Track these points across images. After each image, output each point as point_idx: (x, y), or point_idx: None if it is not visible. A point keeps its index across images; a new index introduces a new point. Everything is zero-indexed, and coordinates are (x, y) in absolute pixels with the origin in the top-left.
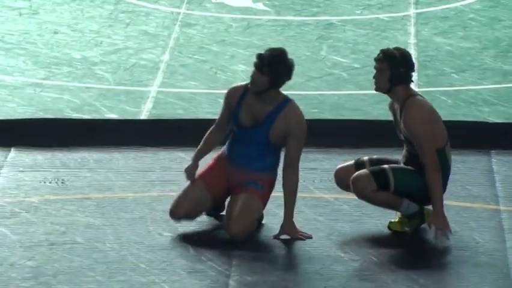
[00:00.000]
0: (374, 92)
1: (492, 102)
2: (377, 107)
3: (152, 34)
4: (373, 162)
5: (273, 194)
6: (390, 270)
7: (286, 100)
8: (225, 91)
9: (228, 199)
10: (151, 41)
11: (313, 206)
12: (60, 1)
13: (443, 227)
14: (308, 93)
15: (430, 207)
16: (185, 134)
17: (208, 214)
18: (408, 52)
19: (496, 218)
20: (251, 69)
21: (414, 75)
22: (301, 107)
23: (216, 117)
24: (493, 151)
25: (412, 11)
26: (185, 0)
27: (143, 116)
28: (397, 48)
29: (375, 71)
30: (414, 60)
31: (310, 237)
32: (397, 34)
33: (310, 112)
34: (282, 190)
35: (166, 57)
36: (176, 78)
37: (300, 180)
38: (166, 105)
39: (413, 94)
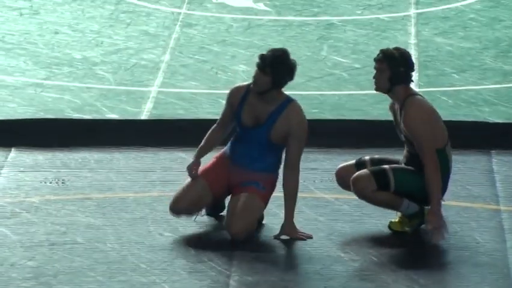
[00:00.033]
0: (375, 92)
1: (492, 102)
2: (377, 107)
3: (152, 34)
4: (374, 162)
5: (273, 194)
6: (390, 270)
7: (289, 100)
8: (226, 91)
9: (228, 198)
10: (151, 41)
11: (313, 206)
12: (61, 1)
13: (439, 226)
14: (309, 94)
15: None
16: (186, 134)
17: (208, 214)
18: (407, 52)
19: (496, 218)
20: (252, 69)
21: (415, 76)
22: (302, 107)
23: (217, 117)
24: (493, 151)
25: (412, 11)
26: (186, 1)
27: (143, 116)
28: (397, 48)
29: (375, 71)
30: (414, 60)
31: (310, 237)
32: (397, 34)
33: (310, 112)
34: (282, 190)
35: (166, 57)
36: (176, 79)
37: (301, 180)
38: (166, 106)
39: (413, 94)
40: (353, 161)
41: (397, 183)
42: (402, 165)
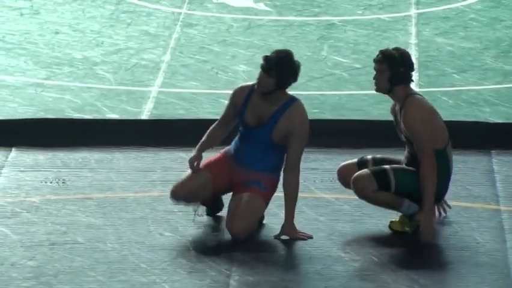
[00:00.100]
0: (375, 92)
1: (493, 103)
2: (377, 107)
3: (153, 34)
4: (376, 161)
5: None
6: (390, 270)
7: (292, 100)
8: (226, 91)
9: (229, 197)
10: (152, 41)
11: (314, 206)
12: (61, 1)
13: (430, 226)
14: (309, 93)
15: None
16: (186, 134)
17: (207, 214)
18: (407, 52)
19: (497, 218)
20: (252, 69)
21: (415, 76)
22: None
23: (217, 117)
24: (493, 151)
25: (413, 11)
26: (187, 1)
27: (144, 116)
28: (396, 49)
29: (375, 72)
30: (415, 60)
31: (311, 237)
32: (398, 34)
33: (311, 112)
34: (282, 190)
35: (167, 57)
36: (177, 79)
37: (301, 180)
38: (167, 106)
39: (413, 93)
40: (355, 160)
41: (398, 183)
42: (403, 166)
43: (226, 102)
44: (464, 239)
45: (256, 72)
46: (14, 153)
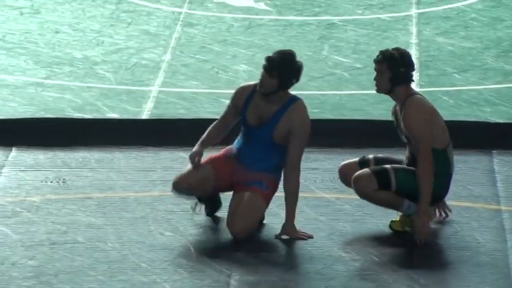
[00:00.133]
0: (376, 92)
1: (494, 102)
2: (378, 107)
3: (153, 34)
4: (378, 161)
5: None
6: (391, 270)
7: (294, 99)
8: (227, 91)
9: (228, 196)
10: (152, 40)
11: (314, 206)
12: (61, 0)
13: (423, 226)
14: (310, 93)
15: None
16: (187, 134)
17: (207, 214)
18: (407, 52)
19: (497, 218)
20: (252, 69)
21: (416, 75)
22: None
23: (218, 116)
24: (494, 151)
25: (414, 11)
26: (187, 0)
27: (144, 116)
28: (396, 49)
29: (375, 73)
30: (416, 60)
31: (311, 237)
32: (399, 34)
33: (311, 112)
34: (283, 190)
35: (167, 56)
36: (177, 78)
37: (302, 180)
38: (167, 105)
39: (413, 93)
40: (357, 159)
41: (398, 183)
42: (404, 166)
43: (227, 101)
44: (464, 239)
45: (256, 71)
46: (14, 153)
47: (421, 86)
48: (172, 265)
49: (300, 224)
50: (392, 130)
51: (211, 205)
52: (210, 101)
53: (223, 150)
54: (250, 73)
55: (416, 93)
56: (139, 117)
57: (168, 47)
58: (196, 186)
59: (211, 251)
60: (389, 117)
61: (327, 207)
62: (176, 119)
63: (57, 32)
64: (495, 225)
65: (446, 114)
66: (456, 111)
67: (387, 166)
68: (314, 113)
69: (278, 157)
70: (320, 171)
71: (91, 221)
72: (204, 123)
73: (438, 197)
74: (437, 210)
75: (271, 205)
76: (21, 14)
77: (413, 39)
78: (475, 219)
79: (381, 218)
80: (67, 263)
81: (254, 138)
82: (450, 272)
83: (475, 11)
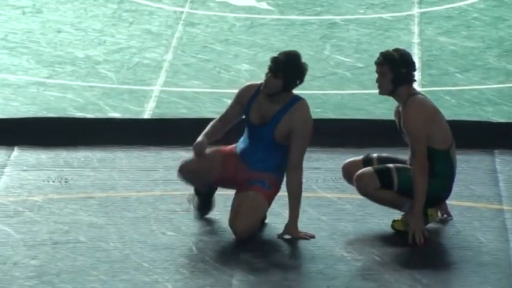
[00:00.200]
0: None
1: (496, 102)
2: (380, 106)
3: (155, 33)
4: (381, 160)
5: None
6: (393, 270)
7: (296, 99)
8: (229, 90)
9: (226, 196)
10: (154, 40)
11: (316, 206)
12: (63, 0)
13: (418, 228)
14: (312, 93)
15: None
16: (189, 134)
17: (198, 216)
18: (407, 52)
19: (499, 218)
20: (255, 68)
21: (418, 75)
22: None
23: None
24: (496, 151)
25: (416, 11)
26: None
27: (146, 115)
28: (396, 50)
29: (377, 75)
30: (417, 59)
31: (313, 237)
32: (401, 33)
33: (313, 111)
34: (286, 190)
35: (169, 56)
36: (179, 78)
37: (304, 180)
38: (169, 105)
39: (415, 93)
40: (361, 157)
41: (400, 182)
42: (407, 166)
43: (229, 101)
44: (466, 239)
45: (258, 71)
46: (16, 152)
47: (423, 86)
48: (174, 265)
49: (302, 223)
50: (394, 130)
51: (205, 203)
52: (212, 100)
53: (230, 146)
54: (252, 72)
55: (417, 93)
56: (141, 117)
57: (170, 46)
58: (202, 173)
59: (213, 251)
60: (391, 116)
61: (329, 207)
62: (178, 119)
63: (59, 32)
64: (497, 225)
65: (448, 114)
66: (458, 110)
67: (390, 165)
68: (316, 112)
69: (279, 157)
70: (321, 170)
71: (92, 220)
72: (206, 122)
73: (440, 199)
74: (439, 212)
75: (274, 205)
76: (24, 13)
77: (415, 39)
78: (477, 219)
79: (383, 218)
80: (69, 262)
81: (257, 137)
82: (452, 272)
83: (477, 10)
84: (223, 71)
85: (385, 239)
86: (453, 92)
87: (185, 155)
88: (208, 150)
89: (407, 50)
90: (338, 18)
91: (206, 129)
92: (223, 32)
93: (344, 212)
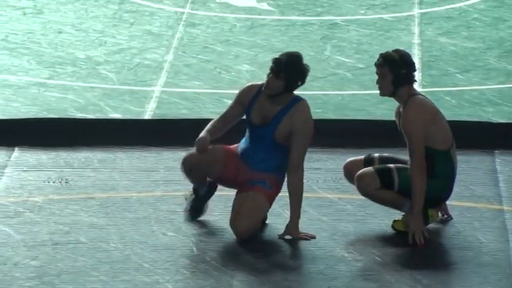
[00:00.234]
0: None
1: (496, 103)
2: (380, 107)
3: (156, 34)
4: (383, 160)
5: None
6: (393, 270)
7: (297, 99)
8: (229, 91)
9: (226, 196)
10: (155, 40)
11: (317, 206)
12: (64, 1)
13: (418, 228)
14: (312, 93)
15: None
16: (189, 134)
17: (189, 219)
18: (407, 53)
19: (500, 218)
20: (255, 69)
21: (418, 75)
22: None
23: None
24: (496, 151)
25: (416, 11)
26: (190, 0)
27: (147, 116)
28: (396, 51)
29: (377, 77)
30: (418, 60)
31: (313, 237)
32: (401, 34)
33: (314, 112)
34: (286, 190)
35: (170, 57)
36: (180, 78)
37: (304, 180)
38: (170, 105)
39: (415, 94)
40: (362, 156)
41: (401, 183)
42: (408, 166)
43: (229, 102)
44: (467, 239)
45: (259, 71)
46: (16, 153)
47: (423, 86)
48: (175, 265)
49: (302, 224)
50: (395, 130)
51: (198, 206)
52: (213, 101)
53: (232, 146)
54: (252, 73)
55: (418, 93)
56: (141, 118)
57: (171, 47)
58: (204, 165)
59: (214, 251)
60: (392, 117)
61: (329, 208)
62: (178, 119)
63: (60, 32)
64: (497, 225)
65: (449, 115)
66: (458, 111)
67: (391, 165)
68: (317, 113)
69: (281, 157)
70: (322, 171)
71: (93, 221)
72: (206, 123)
73: (440, 199)
74: (439, 212)
75: (274, 205)
76: (24, 14)
77: (416, 40)
78: (478, 220)
79: (384, 218)
80: (69, 263)
81: (258, 137)
82: (452, 272)
83: (477, 11)
84: (223, 72)
85: (386, 240)
86: (453, 92)
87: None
88: (210, 146)
89: (408, 50)
90: (338, 18)
91: (208, 126)
92: (223, 32)
93: (344, 212)
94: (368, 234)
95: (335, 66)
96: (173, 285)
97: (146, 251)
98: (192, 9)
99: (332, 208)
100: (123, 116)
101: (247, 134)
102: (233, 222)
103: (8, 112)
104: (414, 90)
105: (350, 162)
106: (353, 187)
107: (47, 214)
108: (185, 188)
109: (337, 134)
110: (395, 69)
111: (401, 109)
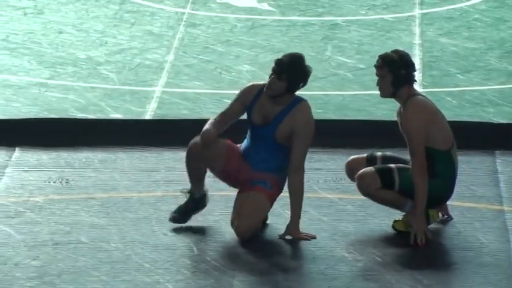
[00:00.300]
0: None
1: (497, 103)
2: (381, 107)
3: (157, 34)
4: (385, 158)
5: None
6: (394, 270)
7: (298, 100)
8: (230, 91)
9: (227, 196)
10: (155, 41)
11: (317, 206)
12: (65, 1)
13: (421, 229)
14: (313, 94)
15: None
16: (190, 134)
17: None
18: (406, 53)
19: (500, 219)
20: (256, 69)
21: (419, 76)
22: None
23: None
24: (497, 151)
25: (417, 12)
26: (190, 0)
27: (148, 116)
28: (395, 51)
29: (377, 78)
30: (419, 60)
31: (314, 238)
32: (402, 34)
33: (315, 112)
34: (287, 191)
35: (170, 57)
36: (180, 78)
37: (305, 181)
38: (170, 105)
39: (415, 94)
40: (365, 155)
41: (402, 183)
42: (409, 166)
43: (230, 102)
44: (467, 239)
45: (260, 72)
46: (17, 153)
47: (424, 87)
48: (175, 265)
49: (303, 224)
50: (395, 130)
51: (187, 210)
52: (213, 101)
53: (237, 145)
54: (253, 73)
55: (418, 93)
56: (142, 118)
57: (171, 47)
58: (208, 156)
59: (214, 251)
60: (392, 117)
61: (330, 208)
62: (179, 120)
63: (60, 33)
64: (498, 225)
65: (450, 115)
66: (459, 111)
67: (392, 165)
68: (317, 113)
69: (282, 157)
70: (323, 171)
71: (94, 221)
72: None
73: (441, 199)
74: (440, 212)
75: (275, 205)
76: (25, 14)
77: (417, 40)
78: (478, 220)
79: (384, 219)
80: (70, 263)
81: (259, 137)
82: (453, 273)
83: (478, 11)
84: (224, 72)
85: (386, 240)
86: (454, 93)
87: None
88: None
89: (408, 51)
90: (339, 19)
91: (211, 120)
92: (224, 33)
93: (345, 212)
94: (369, 234)
95: (336, 66)
96: (173, 285)
97: (147, 251)
98: (192, 10)
99: (332, 208)
100: (124, 116)
101: (248, 134)
102: (234, 223)
103: (9, 112)
104: (415, 90)
105: (353, 159)
106: (354, 187)
107: (48, 214)
108: (185, 188)
109: (338, 134)
110: (394, 70)
111: (401, 110)
